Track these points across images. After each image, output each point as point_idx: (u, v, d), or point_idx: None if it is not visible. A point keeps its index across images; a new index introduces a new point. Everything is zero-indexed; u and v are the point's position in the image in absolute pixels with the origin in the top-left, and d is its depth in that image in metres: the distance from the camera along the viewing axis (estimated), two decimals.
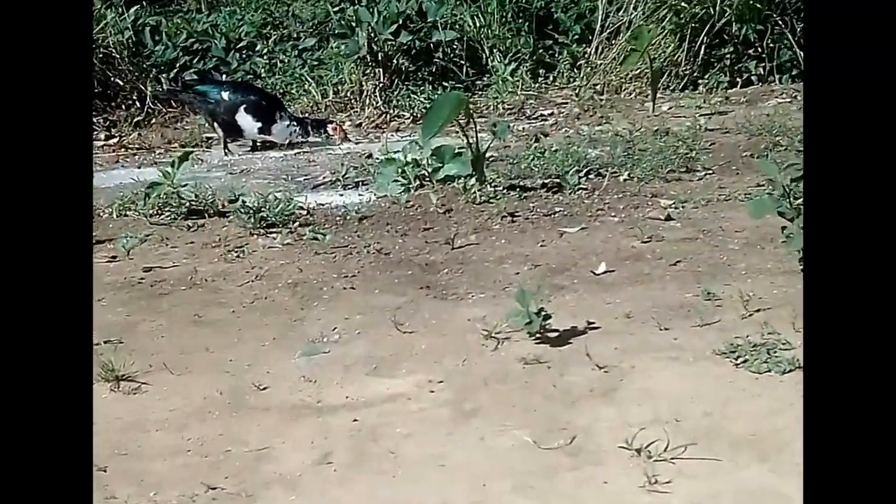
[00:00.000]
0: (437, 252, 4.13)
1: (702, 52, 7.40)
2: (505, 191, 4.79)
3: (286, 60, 7.67)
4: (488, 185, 4.81)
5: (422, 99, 7.07)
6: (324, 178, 5.49)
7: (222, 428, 2.80)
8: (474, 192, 4.74)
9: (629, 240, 4.13)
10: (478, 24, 7.66)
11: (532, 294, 3.18)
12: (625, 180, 5.00)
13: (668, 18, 7.45)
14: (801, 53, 7.08)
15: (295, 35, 7.91)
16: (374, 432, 2.72)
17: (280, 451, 2.66)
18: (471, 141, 4.84)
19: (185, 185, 4.88)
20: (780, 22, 7.35)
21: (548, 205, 4.68)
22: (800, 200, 3.29)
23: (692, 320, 3.26)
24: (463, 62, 7.54)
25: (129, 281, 3.98)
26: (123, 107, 7.21)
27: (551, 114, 6.96)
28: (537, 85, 7.45)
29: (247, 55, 7.83)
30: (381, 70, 7.19)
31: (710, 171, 5.13)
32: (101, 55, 7.25)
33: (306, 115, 6.83)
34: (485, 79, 7.49)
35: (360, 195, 5.10)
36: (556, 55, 7.71)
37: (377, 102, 7.12)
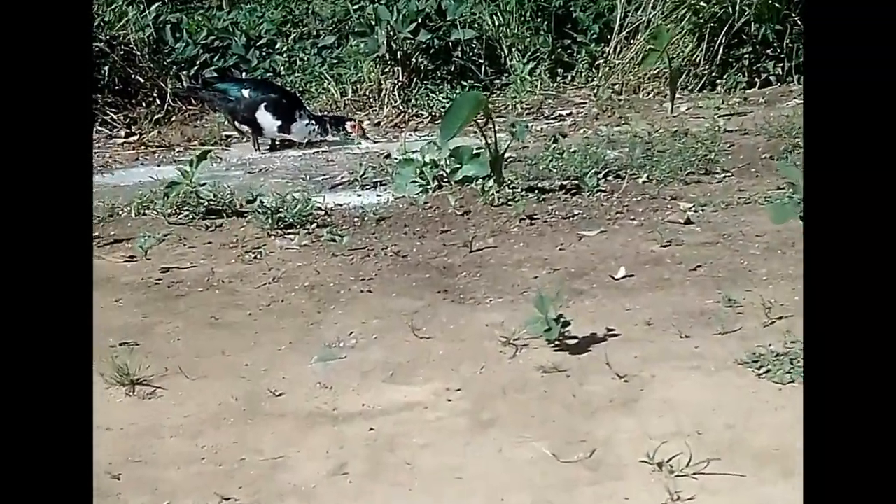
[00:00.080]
0: (455, 255, 4.10)
1: (720, 51, 7.34)
2: (523, 192, 4.75)
3: (306, 58, 7.64)
4: (507, 187, 4.78)
5: (440, 98, 7.03)
6: (342, 177, 5.47)
7: (237, 435, 2.78)
8: (493, 194, 4.70)
9: (648, 244, 4.09)
10: (496, 23, 7.61)
11: (551, 300, 3.14)
12: (644, 182, 4.96)
13: (686, 18, 7.39)
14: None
15: (315, 33, 7.89)
16: (390, 442, 2.69)
17: (295, 461, 2.64)
18: (489, 141, 4.81)
19: (204, 184, 4.86)
20: (799, 22, 7.28)
21: (566, 207, 4.64)
22: None
23: (713, 328, 3.22)
24: (481, 61, 7.50)
25: (146, 282, 3.96)
26: (144, 104, 7.19)
27: (570, 114, 6.91)
28: (556, 84, 7.40)
29: (266, 53, 7.81)
30: (399, 69, 7.16)
31: (730, 174, 5.08)
32: (122, 52, 7.24)
33: (325, 113, 6.80)
34: (503, 78, 7.44)
35: (378, 196, 5.07)
36: (575, 54, 7.66)
37: (395, 101, 7.08)
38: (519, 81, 7.24)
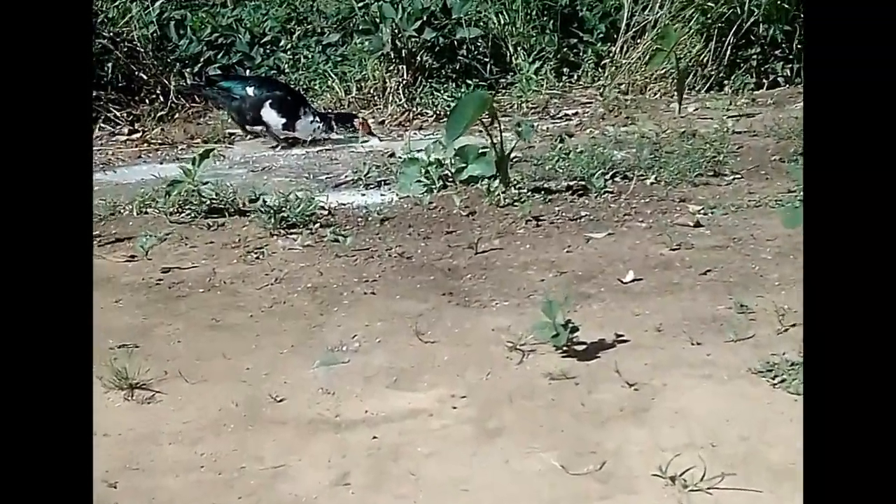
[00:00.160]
0: (460, 256, 4.03)
1: (728, 52, 7.29)
2: (529, 193, 4.69)
3: (310, 56, 7.60)
4: (512, 188, 4.71)
5: (445, 97, 6.99)
6: (346, 176, 5.41)
7: (237, 442, 2.71)
8: (498, 195, 4.64)
9: (657, 247, 4.02)
10: (502, 22, 7.56)
11: (559, 305, 3.07)
12: (652, 184, 4.89)
13: (694, 18, 7.34)
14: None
15: (319, 30, 7.84)
16: (394, 451, 2.62)
17: (296, 470, 2.57)
18: (495, 141, 4.74)
19: (206, 182, 4.80)
20: None
21: (573, 208, 4.57)
22: None
23: (725, 335, 3.15)
24: (487, 60, 7.45)
25: (146, 282, 3.90)
26: (147, 101, 7.15)
27: (576, 113, 6.85)
28: (561, 84, 7.36)
29: (271, 50, 7.77)
30: (404, 67, 7.11)
31: (739, 176, 5.02)
32: (125, 49, 7.21)
33: (330, 110, 6.74)
34: (508, 77, 7.39)
35: (382, 195, 5.01)
36: (581, 54, 7.61)
37: (400, 100, 7.03)
38: (524, 80, 7.19)
